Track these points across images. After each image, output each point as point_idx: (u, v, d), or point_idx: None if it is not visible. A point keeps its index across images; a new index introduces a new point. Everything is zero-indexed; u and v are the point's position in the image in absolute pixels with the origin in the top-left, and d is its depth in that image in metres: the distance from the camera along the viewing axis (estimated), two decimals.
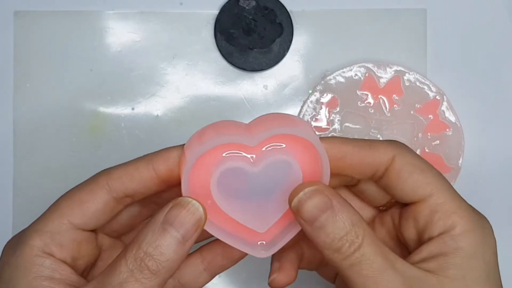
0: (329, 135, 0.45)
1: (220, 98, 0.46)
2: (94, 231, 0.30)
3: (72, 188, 0.30)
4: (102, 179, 0.29)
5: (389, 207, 0.33)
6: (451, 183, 0.44)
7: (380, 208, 0.33)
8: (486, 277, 0.28)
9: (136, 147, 0.45)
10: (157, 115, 0.45)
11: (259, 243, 0.29)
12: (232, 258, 0.32)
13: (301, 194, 0.27)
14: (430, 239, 0.29)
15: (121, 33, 0.46)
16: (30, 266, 0.27)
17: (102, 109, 0.45)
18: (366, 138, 0.31)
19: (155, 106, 0.45)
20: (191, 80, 0.46)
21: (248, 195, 0.29)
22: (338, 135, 0.44)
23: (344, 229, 0.27)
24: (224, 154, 0.28)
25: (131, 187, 0.29)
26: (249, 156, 0.28)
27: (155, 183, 0.29)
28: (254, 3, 0.45)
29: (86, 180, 0.29)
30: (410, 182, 0.29)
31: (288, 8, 0.45)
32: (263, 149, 0.28)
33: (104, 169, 0.30)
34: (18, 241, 0.28)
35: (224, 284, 0.45)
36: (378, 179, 0.30)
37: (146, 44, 0.46)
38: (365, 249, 0.27)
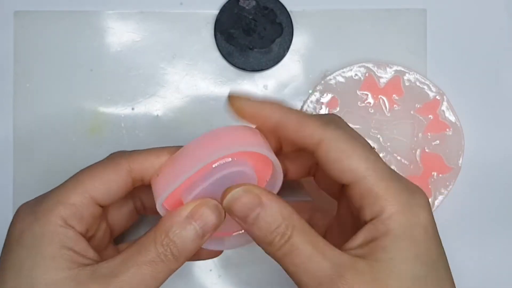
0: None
1: (220, 98, 0.46)
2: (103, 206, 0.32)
3: (93, 165, 0.31)
4: (123, 161, 0.31)
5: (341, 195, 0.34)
6: (451, 183, 0.45)
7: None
8: (414, 257, 0.28)
9: (136, 147, 0.45)
10: (157, 115, 0.45)
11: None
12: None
13: (228, 196, 0.29)
14: (365, 223, 0.29)
15: (121, 33, 0.46)
16: (55, 235, 0.29)
17: (102, 109, 0.45)
18: (310, 113, 0.32)
19: (155, 106, 0.45)
20: (191, 80, 0.46)
21: None
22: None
23: (274, 223, 0.28)
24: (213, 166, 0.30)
25: (150, 172, 0.31)
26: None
27: None
28: (254, 3, 0.45)
29: (106, 159, 0.32)
30: (337, 167, 0.29)
31: (288, 8, 0.45)
32: (214, 166, 0.30)
33: (121, 151, 0.32)
34: (39, 209, 0.30)
35: (224, 284, 0.45)
36: (312, 153, 0.31)
37: (146, 44, 0.46)
38: (295, 239, 0.28)
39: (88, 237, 0.32)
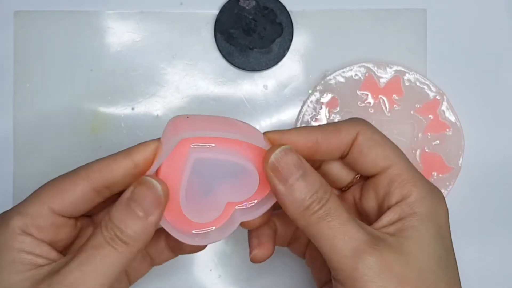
0: None
1: (220, 98, 0.46)
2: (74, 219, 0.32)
3: (56, 177, 0.32)
4: (83, 171, 0.31)
5: (349, 187, 0.35)
6: (451, 183, 0.45)
7: (342, 189, 0.36)
8: (440, 237, 0.31)
9: None
10: (157, 115, 0.46)
11: (193, 231, 0.32)
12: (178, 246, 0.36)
13: (278, 151, 0.30)
14: (389, 208, 0.31)
15: (121, 33, 0.46)
16: (12, 242, 0.30)
17: (102, 109, 0.45)
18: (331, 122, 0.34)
19: (155, 106, 0.45)
20: (191, 80, 0.46)
21: (205, 187, 0.31)
22: None
23: (314, 187, 0.29)
24: (191, 145, 0.31)
25: (111, 179, 0.30)
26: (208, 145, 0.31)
27: (133, 174, 0.31)
28: (254, 3, 0.45)
29: (69, 172, 0.31)
30: (371, 156, 0.32)
31: (288, 8, 0.45)
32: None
33: (86, 163, 0.32)
34: (1, 219, 0.31)
35: (224, 284, 0.45)
36: (343, 157, 0.33)
37: (146, 44, 0.46)
38: (332, 204, 0.29)
39: (60, 245, 0.32)
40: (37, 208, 0.30)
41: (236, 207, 0.32)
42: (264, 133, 0.32)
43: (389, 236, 0.30)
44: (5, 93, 0.45)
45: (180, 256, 0.45)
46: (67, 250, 0.33)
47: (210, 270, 0.45)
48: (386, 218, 0.31)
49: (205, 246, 0.35)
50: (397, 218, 0.31)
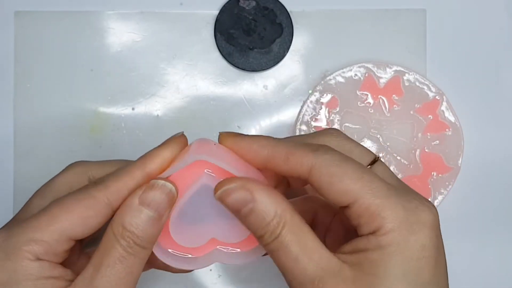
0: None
1: (220, 98, 0.46)
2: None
3: (66, 198, 0.30)
4: (101, 194, 0.30)
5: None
6: (451, 183, 0.45)
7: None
8: (401, 276, 0.28)
9: (136, 147, 0.45)
10: (157, 115, 0.46)
11: (169, 250, 0.31)
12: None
13: (221, 190, 0.29)
14: (361, 235, 0.29)
15: (121, 33, 0.46)
16: (29, 268, 0.29)
17: (102, 109, 0.45)
18: (306, 135, 0.33)
19: (155, 106, 0.46)
20: (191, 80, 0.46)
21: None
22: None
23: (265, 219, 0.29)
24: (205, 171, 0.30)
25: (127, 195, 0.30)
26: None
27: (143, 182, 0.30)
28: (254, 3, 0.45)
29: (80, 191, 0.30)
30: (331, 194, 0.29)
31: (288, 8, 0.45)
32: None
33: (97, 180, 0.31)
34: (9, 245, 0.29)
35: (224, 284, 0.45)
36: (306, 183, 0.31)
37: (146, 44, 0.46)
38: (284, 238, 0.29)
39: (68, 263, 0.32)
40: (55, 236, 0.29)
41: (217, 247, 0.31)
42: (220, 134, 0.31)
43: (346, 267, 0.29)
44: (5, 93, 0.45)
45: None
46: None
47: (210, 270, 0.45)
48: (353, 244, 0.29)
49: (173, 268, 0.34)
50: (362, 247, 0.29)
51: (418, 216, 0.29)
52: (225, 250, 0.31)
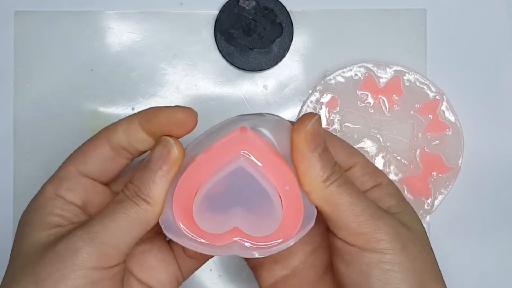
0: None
1: (220, 98, 0.46)
2: (106, 184, 0.34)
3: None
4: (102, 133, 0.33)
5: None
6: (451, 183, 0.45)
7: None
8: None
9: None
10: None
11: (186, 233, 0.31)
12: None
13: (314, 119, 0.30)
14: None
15: (121, 33, 0.46)
16: (43, 207, 0.31)
17: (102, 109, 0.45)
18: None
19: (155, 106, 0.45)
20: (191, 80, 0.46)
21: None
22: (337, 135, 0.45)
23: (333, 159, 0.31)
24: (242, 152, 0.30)
25: (124, 139, 0.32)
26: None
27: (147, 140, 0.32)
28: (254, 3, 0.45)
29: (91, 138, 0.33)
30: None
31: (288, 8, 0.45)
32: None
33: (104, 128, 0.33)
34: (40, 189, 0.33)
35: (224, 284, 0.45)
36: None
37: (146, 44, 0.46)
38: (345, 175, 0.31)
39: (92, 210, 0.33)
40: (65, 171, 0.32)
41: (238, 238, 0.30)
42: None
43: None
44: (5, 93, 0.45)
45: None
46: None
47: (210, 270, 0.45)
48: None
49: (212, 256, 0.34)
50: None
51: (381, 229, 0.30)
52: (247, 244, 0.30)
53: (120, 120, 0.32)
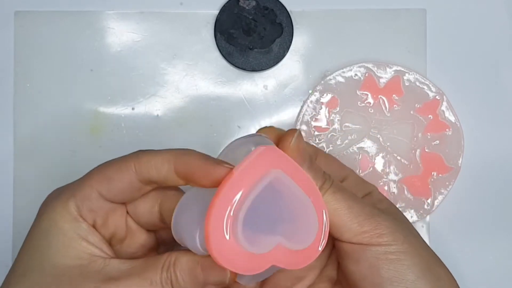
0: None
1: (220, 98, 0.46)
2: (124, 204, 0.33)
3: (106, 162, 0.32)
4: (132, 161, 0.31)
5: None
6: (451, 183, 0.45)
7: None
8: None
9: (136, 147, 0.45)
10: (157, 115, 0.46)
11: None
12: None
13: (295, 135, 0.30)
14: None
15: (121, 33, 0.46)
16: (70, 225, 0.30)
17: (102, 109, 0.45)
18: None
19: (155, 106, 0.45)
20: (191, 80, 0.46)
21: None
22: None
23: (321, 169, 0.31)
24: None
25: (155, 176, 0.31)
26: None
27: (173, 176, 0.31)
28: (254, 3, 0.45)
29: (120, 157, 0.32)
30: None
31: (288, 8, 0.45)
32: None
33: (138, 151, 0.32)
34: (57, 201, 0.31)
35: None
36: None
37: (146, 44, 0.46)
38: (337, 182, 0.32)
39: (107, 233, 0.32)
40: (88, 191, 0.31)
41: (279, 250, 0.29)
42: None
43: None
44: (5, 93, 0.45)
45: None
46: (118, 247, 0.33)
47: None
48: None
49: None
50: None
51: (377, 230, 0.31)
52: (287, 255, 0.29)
53: (154, 154, 0.31)
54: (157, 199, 0.34)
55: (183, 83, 0.46)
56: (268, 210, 0.28)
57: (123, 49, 0.46)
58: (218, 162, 0.29)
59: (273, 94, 0.46)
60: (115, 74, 0.45)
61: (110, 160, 0.32)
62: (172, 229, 0.31)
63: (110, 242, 0.33)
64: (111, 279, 0.29)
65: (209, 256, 0.27)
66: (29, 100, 0.45)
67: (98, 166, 0.32)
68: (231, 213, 0.27)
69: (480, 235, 0.46)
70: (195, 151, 0.31)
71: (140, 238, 0.34)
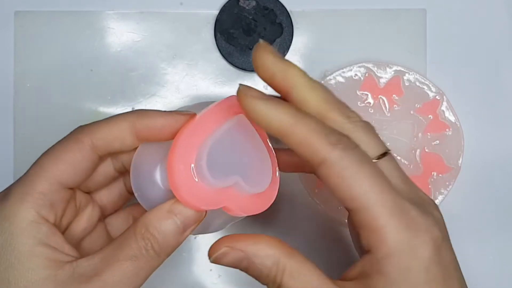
0: None
1: (220, 98, 0.45)
2: (73, 188, 0.31)
3: (54, 146, 0.30)
4: (86, 138, 0.29)
5: None
6: (451, 183, 0.45)
7: None
8: None
9: None
10: None
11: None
12: None
13: (214, 256, 0.30)
14: (363, 250, 0.29)
15: (121, 33, 0.46)
16: (27, 232, 0.27)
17: (102, 109, 0.45)
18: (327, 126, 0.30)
19: (155, 106, 0.46)
20: (191, 80, 0.46)
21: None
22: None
23: (262, 273, 0.29)
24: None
25: (115, 146, 0.30)
26: None
27: (134, 142, 0.30)
28: (254, 3, 0.45)
29: (67, 138, 0.30)
30: (337, 193, 0.28)
31: (288, 8, 0.45)
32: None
33: (84, 126, 0.30)
34: (6, 204, 0.27)
35: (224, 284, 0.45)
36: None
37: (146, 44, 0.46)
38: (286, 285, 0.29)
39: (66, 225, 0.31)
40: (47, 185, 0.28)
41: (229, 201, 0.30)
42: (240, 88, 0.29)
43: None
44: (5, 93, 0.45)
45: (180, 256, 0.45)
46: (67, 231, 0.31)
47: (210, 270, 0.45)
48: (357, 268, 0.29)
49: None
50: (366, 272, 0.28)
51: (420, 237, 0.28)
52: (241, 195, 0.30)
53: (108, 125, 0.30)
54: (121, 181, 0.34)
55: (183, 83, 0.46)
56: (229, 153, 0.30)
57: (123, 49, 0.46)
58: (177, 112, 0.29)
59: (273, 94, 0.46)
60: (115, 74, 0.45)
61: (59, 143, 0.30)
62: (131, 176, 0.31)
63: (64, 229, 0.31)
64: (89, 278, 0.27)
65: (174, 200, 0.29)
66: (29, 100, 0.45)
67: (46, 153, 0.30)
68: (195, 152, 0.28)
69: (480, 235, 0.46)
70: (147, 110, 0.30)
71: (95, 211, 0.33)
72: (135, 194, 0.31)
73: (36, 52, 0.45)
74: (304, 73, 0.30)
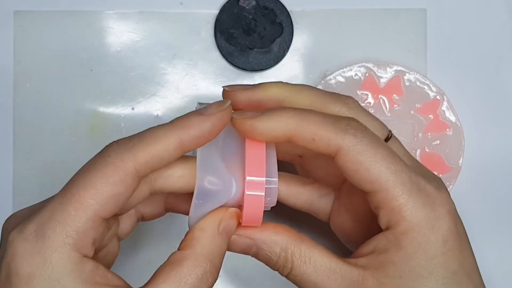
0: None
1: (220, 98, 0.45)
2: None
3: (90, 173, 0.27)
4: (129, 165, 0.26)
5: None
6: (452, 183, 0.45)
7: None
8: (428, 274, 0.28)
9: None
10: (157, 115, 0.45)
11: None
12: None
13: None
14: (380, 229, 0.29)
15: (121, 33, 0.46)
16: (73, 275, 0.25)
17: (102, 109, 0.45)
18: (328, 99, 0.31)
19: (155, 106, 0.45)
20: (191, 80, 0.46)
21: None
22: None
23: (273, 257, 0.30)
24: None
25: (158, 167, 0.27)
26: None
27: (177, 157, 0.28)
28: (254, 3, 0.45)
29: (105, 164, 0.27)
30: (355, 179, 0.29)
31: (288, 8, 0.45)
32: None
33: (121, 146, 0.27)
34: (45, 246, 0.25)
35: (224, 284, 0.45)
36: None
37: (146, 44, 0.46)
38: (297, 270, 0.29)
39: (100, 248, 0.30)
40: (89, 223, 0.26)
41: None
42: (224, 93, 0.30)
43: (369, 275, 0.28)
44: (5, 93, 0.45)
45: None
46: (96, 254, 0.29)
47: None
48: (372, 243, 0.29)
49: (165, 213, 0.34)
50: (382, 247, 0.29)
51: (437, 211, 0.28)
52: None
53: (149, 141, 0.27)
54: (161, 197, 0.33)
55: (183, 83, 0.46)
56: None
57: (123, 49, 0.46)
58: (217, 108, 0.29)
59: None
60: (115, 74, 0.45)
61: (94, 169, 0.26)
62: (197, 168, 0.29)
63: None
64: None
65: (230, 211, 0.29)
66: (29, 100, 0.45)
67: (82, 182, 0.26)
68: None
69: (481, 235, 0.46)
70: (188, 118, 0.28)
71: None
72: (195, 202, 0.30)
73: (36, 52, 0.45)
74: (281, 82, 0.31)
